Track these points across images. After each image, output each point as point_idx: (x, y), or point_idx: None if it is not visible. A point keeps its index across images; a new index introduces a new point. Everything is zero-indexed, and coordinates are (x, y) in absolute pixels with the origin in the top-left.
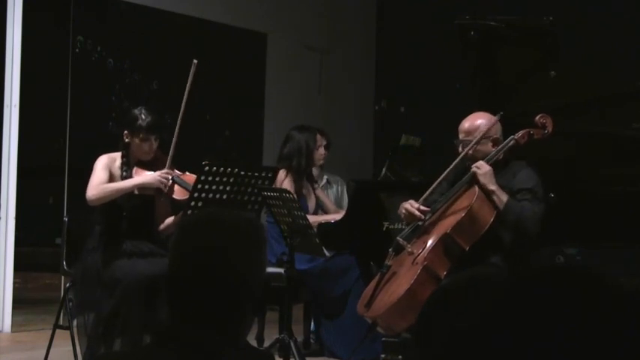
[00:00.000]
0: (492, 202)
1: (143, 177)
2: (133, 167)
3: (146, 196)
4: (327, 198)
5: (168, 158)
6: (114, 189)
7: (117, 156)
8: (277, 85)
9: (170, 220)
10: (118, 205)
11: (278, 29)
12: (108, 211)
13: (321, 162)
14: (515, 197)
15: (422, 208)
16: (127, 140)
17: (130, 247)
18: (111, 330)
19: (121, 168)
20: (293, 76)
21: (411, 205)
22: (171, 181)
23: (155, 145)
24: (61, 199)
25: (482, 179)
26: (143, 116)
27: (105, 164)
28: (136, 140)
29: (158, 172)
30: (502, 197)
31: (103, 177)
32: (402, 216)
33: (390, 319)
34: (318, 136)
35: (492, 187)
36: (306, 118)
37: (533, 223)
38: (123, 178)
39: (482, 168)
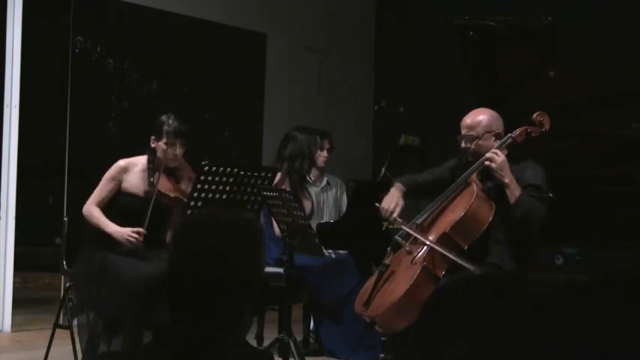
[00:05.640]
0: (496, 196)
1: (116, 230)
2: (156, 173)
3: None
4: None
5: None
6: (96, 223)
7: (139, 160)
8: (277, 85)
9: None
10: (116, 206)
11: (277, 29)
12: (107, 213)
13: (322, 164)
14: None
15: (397, 218)
16: (152, 145)
17: (130, 247)
18: (111, 328)
19: (147, 172)
20: (293, 76)
21: (389, 207)
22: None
23: (181, 151)
24: (61, 199)
25: (497, 171)
26: (170, 121)
27: (112, 176)
28: (162, 144)
29: (128, 232)
30: (516, 191)
31: (102, 194)
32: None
33: (389, 318)
34: (324, 140)
35: (507, 179)
36: (305, 118)
37: (537, 222)
38: (148, 183)
39: (497, 159)
